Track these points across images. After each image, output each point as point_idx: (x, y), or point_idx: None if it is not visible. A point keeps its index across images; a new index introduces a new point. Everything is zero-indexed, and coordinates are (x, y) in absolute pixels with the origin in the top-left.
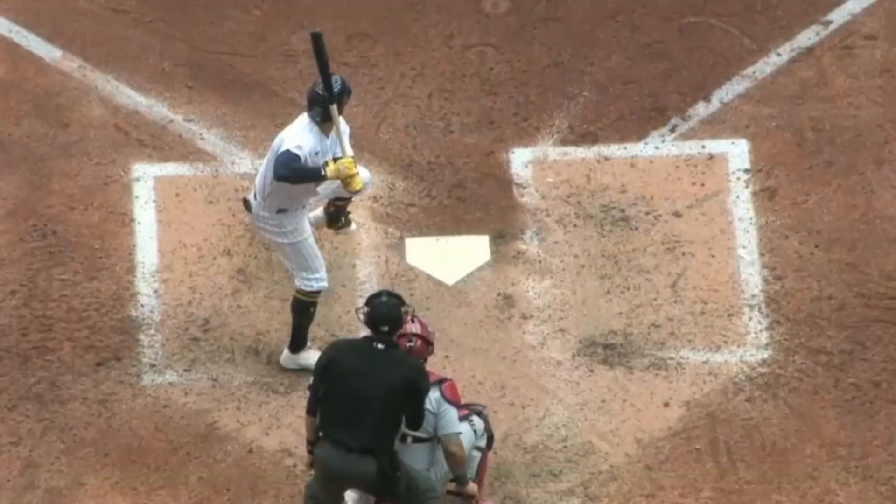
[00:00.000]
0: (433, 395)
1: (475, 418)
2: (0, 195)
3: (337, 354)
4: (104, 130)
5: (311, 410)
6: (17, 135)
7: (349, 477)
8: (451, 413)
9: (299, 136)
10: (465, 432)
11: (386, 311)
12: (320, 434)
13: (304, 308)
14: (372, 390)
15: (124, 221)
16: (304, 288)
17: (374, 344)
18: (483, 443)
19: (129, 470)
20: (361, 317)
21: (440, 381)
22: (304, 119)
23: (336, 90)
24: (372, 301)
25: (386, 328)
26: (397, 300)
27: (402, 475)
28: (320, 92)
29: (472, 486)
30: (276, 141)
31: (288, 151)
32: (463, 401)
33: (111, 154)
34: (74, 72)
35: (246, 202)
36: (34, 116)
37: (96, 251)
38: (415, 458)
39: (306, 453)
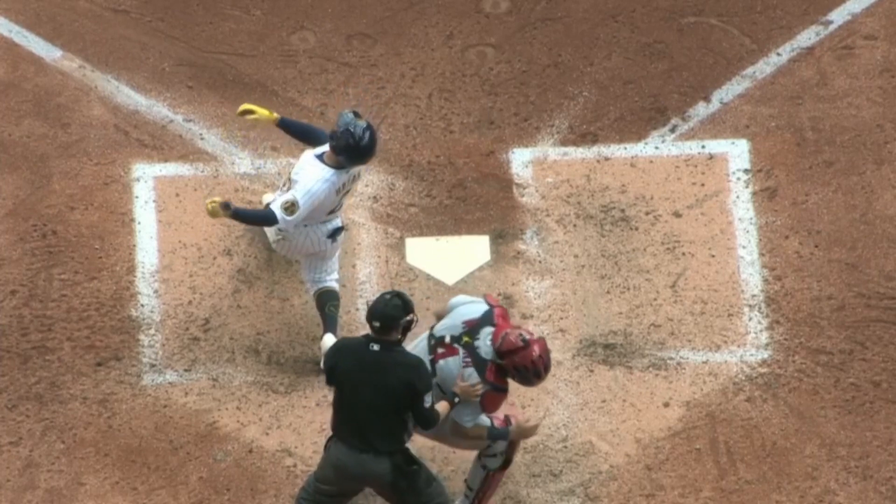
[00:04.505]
0: (470, 373)
1: (501, 443)
2: (0, 195)
3: (338, 360)
4: (104, 130)
5: None
6: (17, 135)
7: (366, 477)
8: (470, 407)
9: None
10: (480, 420)
11: (381, 306)
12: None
13: (338, 297)
14: (372, 396)
15: (124, 221)
16: (335, 285)
17: (371, 346)
18: (494, 464)
19: (129, 470)
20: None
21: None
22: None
23: (365, 141)
24: (376, 297)
25: (377, 324)
26: (402, 302)
27: (421, 469)
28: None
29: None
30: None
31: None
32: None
33: (111, 154)
34: (74, 72)
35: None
36: (34, 116)
37: (96, 251)
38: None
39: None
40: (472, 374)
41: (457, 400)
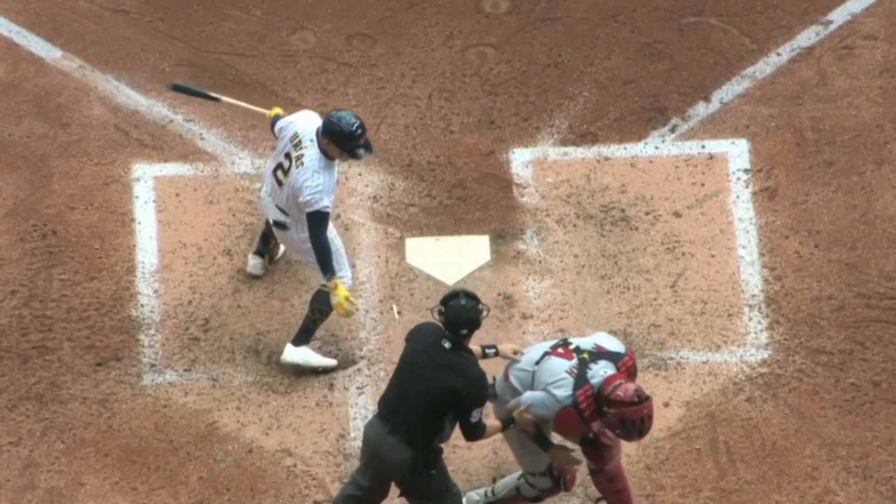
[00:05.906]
0: (561, 392)
1: (547, 477)
2: (0, 195)
3: (413, 335)
4: (104, 130)
5: None
6: (17, 135)
7: (384, 459)
8: (543, 398)
9: (327, 181)
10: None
11: (465, 314)
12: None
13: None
14: (419, 387)
15: (124, 221)
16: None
17: (443, 342)
18: (527, 493)
19: (129, 470)
20: (437, 317)
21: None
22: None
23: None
24: (449, 303)
25: (465, 332)
26: (475, 301)
27: (437, 476)
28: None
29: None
30: (301, 176)
31: (319, 212)
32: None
33: (111, 154)
34: (74, 72)
35: (281, 224)
36: (34, 116)
37: (96, 251)
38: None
39: None
40: (566, 385)
41: (512, 425)
